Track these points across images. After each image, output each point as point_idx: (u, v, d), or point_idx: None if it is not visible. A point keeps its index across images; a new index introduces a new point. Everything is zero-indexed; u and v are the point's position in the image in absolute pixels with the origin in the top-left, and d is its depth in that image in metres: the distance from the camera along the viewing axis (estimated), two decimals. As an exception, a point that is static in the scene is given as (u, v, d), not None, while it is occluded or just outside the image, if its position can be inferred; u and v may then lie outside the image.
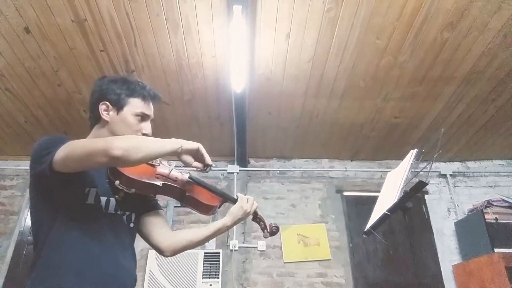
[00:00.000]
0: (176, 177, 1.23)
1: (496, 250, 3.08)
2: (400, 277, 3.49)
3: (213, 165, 1.19)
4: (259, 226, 1.48)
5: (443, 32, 2.56)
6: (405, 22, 2.49)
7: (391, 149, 3.92)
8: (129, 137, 1.12)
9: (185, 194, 1.22)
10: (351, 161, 4.18)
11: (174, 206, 3.74)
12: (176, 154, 1.10)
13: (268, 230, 1.47)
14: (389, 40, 2.63)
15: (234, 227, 3.53)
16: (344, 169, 4.10)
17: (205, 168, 1.18)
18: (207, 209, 1.28)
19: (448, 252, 3.66)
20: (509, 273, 2.88)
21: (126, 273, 1.13)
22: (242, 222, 1.41)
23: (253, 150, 3.98)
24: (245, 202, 1.35)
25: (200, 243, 1.31)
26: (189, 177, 1.27)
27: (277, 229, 1.48)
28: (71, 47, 2.68)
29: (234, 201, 1.36)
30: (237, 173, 3.95)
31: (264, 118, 3.47)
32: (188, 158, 1.13)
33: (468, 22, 2.48)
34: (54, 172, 1.01)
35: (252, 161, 4.15)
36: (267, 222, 1.48)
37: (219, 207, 1.33)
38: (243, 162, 3.99)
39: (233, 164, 4.00)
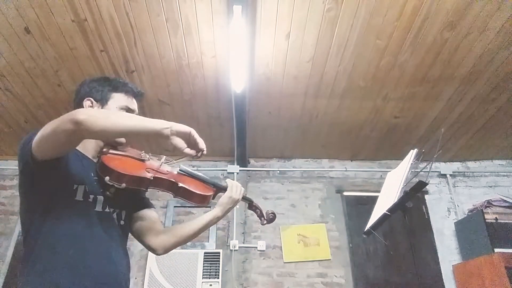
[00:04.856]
0: (167, 170, 1.24)
1: (496, 250, 3.08)
2: (400, 277, 3.49)
3: (205, 150, 1.10)
4: (255, 214, 1.52)
5: (443, 32, 2.56)
6: (405, 22, 2.49)
7: (391, 149, 3.92)
8: (102, 110, 1.16)
9: (177, 185, 1.22)
10: (351, 161, 4.18)
11: (174, 206, 3.75)
12: (164, 136, 1.02)
13: (265, 218, 1.51)
14: (389, 40, 2.63)
15: (234, 227, 3.63)
16: (344, 169, 4.10)
17: (198, 153, 1.09)
18: (201, 199, 1.28)
19: (448, 252, 3.66)
20: (509, 273, 2.88)
21: (118, 270, 1.12)
22: (235, 208, 1.44)
23: (253, 150, 3.98)
24: (234, 192, 1.36)
25: (192, 237, 1.30)
26: (179, 170, 1.29)
27: (274, 215, 1.51)
28: (71, 47, 2.68)
29: (225, 189, 1.37)
30: (237, 173, 3.95)
31: (264, 118, 3.47)
32: (180, 142, 1.05)
33: (468, 22, 2.48)
34: (36, 161, 1.01)
35: (252, 161, 4.15)
36: (263, 209, 1.52)
37: (213, 198, 1.34)
38: (243, 162, 3.99)
39: (233, 164, 4.00)
